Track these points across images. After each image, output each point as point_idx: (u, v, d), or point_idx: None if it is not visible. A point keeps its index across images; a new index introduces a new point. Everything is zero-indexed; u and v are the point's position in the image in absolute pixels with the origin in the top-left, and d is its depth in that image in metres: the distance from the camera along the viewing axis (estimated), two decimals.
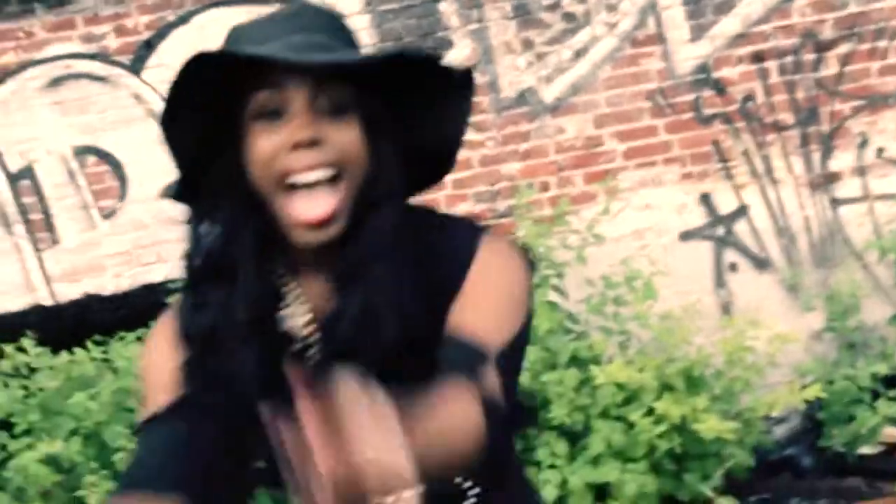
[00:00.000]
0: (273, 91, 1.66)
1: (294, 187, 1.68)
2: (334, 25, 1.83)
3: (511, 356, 1.74)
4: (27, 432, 4.88)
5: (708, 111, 5.86)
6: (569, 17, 5.79)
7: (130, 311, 5.67)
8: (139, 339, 5.27)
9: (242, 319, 1.75)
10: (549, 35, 5.83)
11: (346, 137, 1.69)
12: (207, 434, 1.81)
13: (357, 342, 1.76)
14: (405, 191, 1.85)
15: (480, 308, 1.78)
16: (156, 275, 5.86)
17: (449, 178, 2.89)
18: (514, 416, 1.82)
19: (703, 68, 5.85)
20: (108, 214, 5.87)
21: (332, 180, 1.68)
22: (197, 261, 1.76)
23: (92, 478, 4.60)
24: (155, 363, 1.87)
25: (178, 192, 1.80)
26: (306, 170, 1.67)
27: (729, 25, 5.81)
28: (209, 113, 1.71)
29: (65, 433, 4.82)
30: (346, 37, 1.81)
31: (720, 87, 5.84)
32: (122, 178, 5.84)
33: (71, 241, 5.89)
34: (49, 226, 5.87)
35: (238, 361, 1.75)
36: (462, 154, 1.90)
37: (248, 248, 1.76)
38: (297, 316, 1.82)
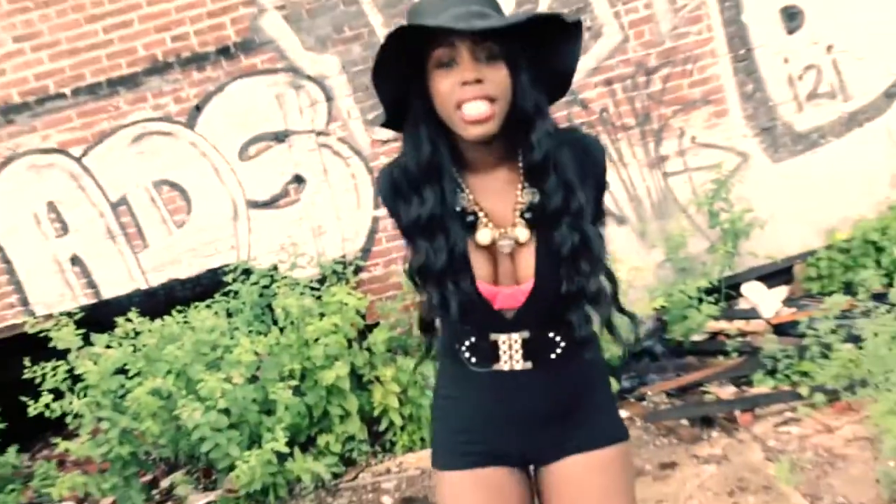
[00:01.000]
0: (447, 48, 1.86)
1: (461, 104, 1.87)
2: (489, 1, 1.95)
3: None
4: (137, 374, 5.11)
5: (577, 121, 6.03)
6: None
7: (200, 288, 6.04)
8: (207, 306, 5.54)
9: (431, 194, 1.98)
10: None
11: (497, 77, 1.87)
12: None
13: (562, 205, 1.97)
14: (544, 103, 1.98)
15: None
16: (214, 262, 6.13)
17: None
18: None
19: (572, 93, 5.56)
20: (179, 224, 6.12)
21: (490, 101, 1.86)
22: (420, 153, 1.97)
23: (182, 401, 4.82)
24: (385, 202, 2.10)
25: (385, 122, 2.03)
26: (472, 99, 1.85)
27: (587, 62, 5.94)
28: (402, 66, 1.90)
29: (162, 373, 5.05)
30: (492, 3, 1.96)
31: (584, 105, 6.07)
32: (186, 200, 6.10)
33: (156, 244, 6.13)
34: (141, 235, 6.12)
35: (415, 211, 1.99)
36: None
37: (434, 149, 1.98)
38: (462, 199, 2.02)
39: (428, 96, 1.93)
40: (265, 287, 5.79)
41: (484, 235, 2.01)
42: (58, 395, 5.09)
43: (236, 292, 5.73)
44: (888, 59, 6.05)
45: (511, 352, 2.08)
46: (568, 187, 1.97)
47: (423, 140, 1.97)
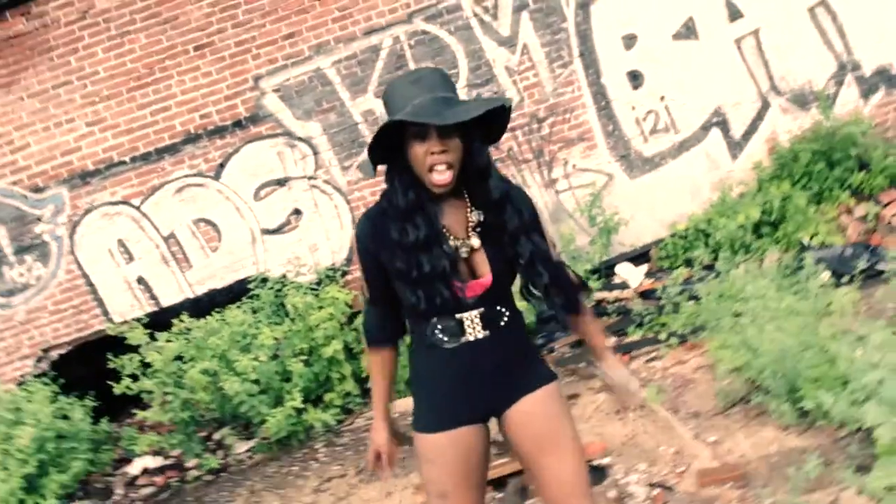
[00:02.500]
0: (420, 127, 1.87)
1: (432, 170, 1.90)
2: (445, 81, 1.97)
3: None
4: (190, 359, 5.08)
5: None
6: None
7: (231, 295, 5.89)
8: (237, 307, 5.47)
9: (422, 222, 1.98)
10: None
11: (455, 146, 1.89)
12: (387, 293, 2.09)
13: (519, 225, 2.02)
14: (486, 153, 2.01)
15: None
16: (241, 275, 5.99)
17: None
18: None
19: None
20: (214, 249, 6.02)
21: (449, 166, 1.90)
22: (405, 198, 1.97)
23: (224, 376, 4.87)
24: (361, 248, 2.09)
25: (372, 172, 1.98)
26: (438, 163, 1.88)
27: None
28: (387, 139, 1.90)
29: (208, 357, 5.02)
30: (451, 86, 1.97)
31: (496, 146, 5.69)
32: (217, 231, 6.00)
33: (198, 264, 6.03)
34: (186, 258, 6.01)
35: (413, 235, 1.98)
36: None
37: (417, 194, 1.97)
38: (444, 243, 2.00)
39: (406, 155, 1.94)
40: (278, 291, 5.72)
41: (446, 246, 2.03)
42: (133, 378, 5.04)
43: (257, 295, 5.66)
44: (703, 103, 6.10)
45: (473, 325, 2.06)
46: (520, 213, 2.04)
47: (408, 185, 1.97)
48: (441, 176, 1.90)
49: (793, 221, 5.62)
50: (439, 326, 2.06)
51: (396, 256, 2.01)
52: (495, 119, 1.97)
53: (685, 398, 4.16)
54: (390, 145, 1.93)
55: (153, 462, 5.73)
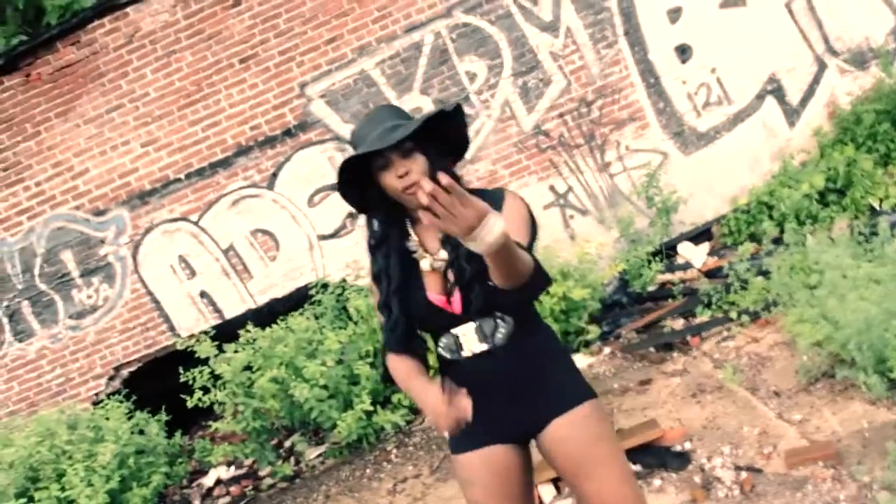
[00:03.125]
0: (380, 157, 1.85)
1: (406, 191, 1.86)
2: (397, 112, 1.99)
3: (532, 247, 1.90)
4: (258, 369, 5.02)
5: (543, 145, 5.93)
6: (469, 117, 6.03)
7: (292, 302, 5.90)
8: (300, 314, 5.41)
9: (395, 248, 1.99)
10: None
11: (417, 164, 1.87)
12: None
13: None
14: (449, 167, 1.94)
15: (517, 227, 1.89)
16: (301, 282, 6.03)
17: None
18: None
19: (536, 126, 5.92)
20: (272, 259, 6.06)
21: (416, 184, 1.82)
22: (373, 232, 2.00)
23: (293, 383, 4.83)
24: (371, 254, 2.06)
25: (353, 207, 2.00)
26: (408, 185, 1.85)
27: (544, 103, 5.89)
28: (354, 174, 1.90)
29: (276, 365, 4.96)
30: (404, 114, 1.98)
31: (546, 133, 5.92)
32: (275, 241, 6.04)
33: (258, 274, 6.08)
34: (246, 270, 6.07)
35: (377, 265, 2.01)
36: None
37: (399, 218, 1.99)
38: (413, 242, 2.00)
39: (378, 187, 1.92)
40: (339, 295, 5.71)
41: (424, 263, 1.99)
42: (205, 391, 5.04)
43: (319, 301, 5.65)
44: (755, 72, 5.91)
45: (468, 339, 1.97)
46: None
47: (380, 219, 2.01)
48: (413, 194, 1.82)
49: (860, 186, 5.42)
50: (442, 342, 2.03)
51: (376, 285, 2.06)
52: (454, 130, 1.96)
53: (764, 377, 4.02)
54: (366, 185, 1.94)
55: (227, 473, 5.80)
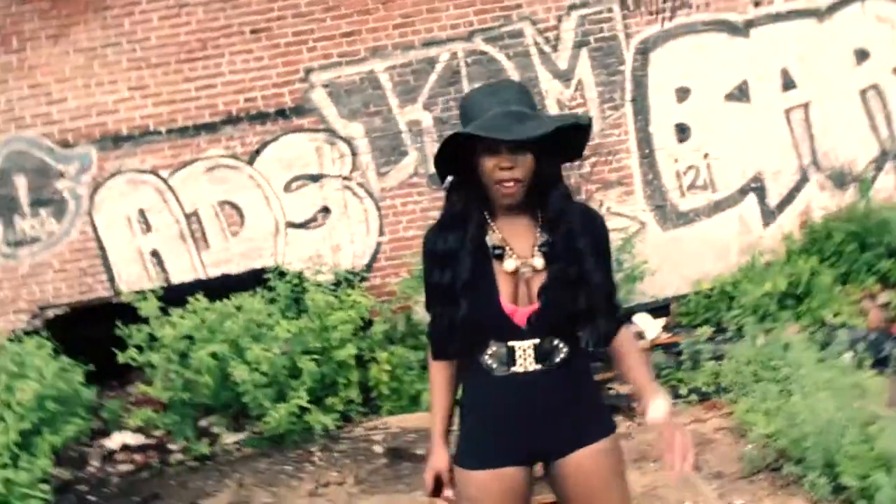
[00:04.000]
0: (490, 140, 1.79)
1: (499, 183, 1.82)
2: (523, 95, 1.88)
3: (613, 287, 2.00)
4: (201, 341, 4.87)
5: None
6: None
7: (243, 284, 5.53)
8: (251, 296, 5.22)
9: (472, 235, 1.91)
10: None
11: (525, 162, 1.81)
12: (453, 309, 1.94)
13: (566, 249, 1.89)
14: (559, 172, 1.92)
15: (602, 254, 1.95)
16: (258, 264, 5.84)
17: None
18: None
19: None
20: (234, 234, 5.89)
21: (517, 181, 1.81)
22: (453, 210, 1.93)
23: (234, 363, 4.71)
24: (428, 261, 1.98)
25: (440, 182, 1.95)
26: (505, 179, 1.81)
27: None
28: (455, 150, 1.85)
29: (219, 341, 4.84)
30: (529, 101, 1.87)
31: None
32: (241, 217, 5.87)
33: (216, 246, 5.89)
34: (204, 238, 5.87)
35: (443, 246, 1.92)
36: None
37: (478, 205, 1.92)
38: (493, 237, 1.92)
39: (474, 166, 1.86)
40: (295, 286, 5.57)
41: (509, 264, 1.90)
42: (139, 350, 4.88)
43: (273, 287, 5.49)
44: (744, 167, 6.07)
45: (525, 355, 1.90)
46: (572, 234, 1.90)
47: (462, 198, 1.93)
48: (509, 191, 1.83)
49: (818, 298, 5.57)
50: (491, 350, 1.93)
51: (433, 267, 1.96)
52: (573, 136, 1.89)
53: (706, 457, 4.03)
54: (462, 157, 1.87)
55: (133, 439, 5.53)
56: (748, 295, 5.53)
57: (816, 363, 4.02)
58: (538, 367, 1.91)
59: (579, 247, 1.89)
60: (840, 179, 6.09)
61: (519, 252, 1.91)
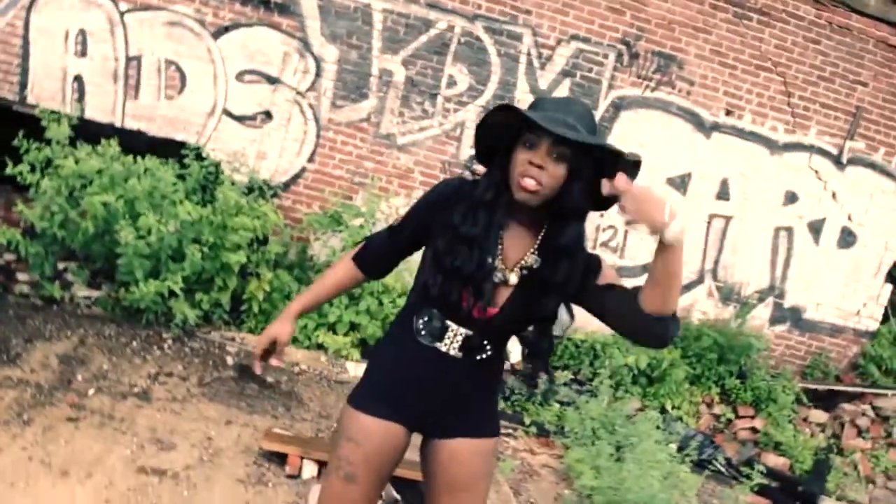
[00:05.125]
0: (534, 135, 1.84)
1: (522, 176, 1.85)
2: (587, 116, 1.89)
3: None
4: (99, 187, 4.68)
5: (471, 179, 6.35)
6: None
7: (154, 150, 5.41)
8: (162, 163, 5.03)
9: (483, 222, 1.94)
10: None
11: (556, 172, 1.85)
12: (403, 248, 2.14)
13: (543, 281, 1.95)
14: (585, 209, 1.94)
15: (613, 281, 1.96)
16: (178, 136, 5.69)
17: None
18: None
19: (471, 160, 6.03)
20: (169, 97, 5.66)
21: (538, 183, 1.84)
22: (483, 196, 1.94)
23: (123, 223, 4.52)
24: (425, 201, 2.06)
25: (477, 161, 2.03)
26: (529, 175, 1.84)
27: None
28: (497, 133, 1.92)
29: (117, 195, 4.64)
30: (588, 123, 1.87)
31: (473, 171, 6.06)
32: (183, 83, 5.66)
33: (144, 100, 5.63)
34: (136, 88, 5.63)
35: (467, 227, 1.94)
36: None
37: (496, 195, 1.94)
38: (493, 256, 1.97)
39: (509, 158, 1.91)
40: (209, 173, 5.47)
41: (492, 260, 1.99)
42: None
43: (188, 166, 5.35)
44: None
45: (454, 339, 2.02)
46: (559, 272, 1.95)
47: (494, 182, 1.94)
48: (527, 182, 1.85)
49: (667, 386, 6.03)
50: (426, 318, 2.04)
51: (444, 235, 1.98)
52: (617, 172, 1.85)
53: (527, 486, 4.31)
54: (505, 145, 1.93)
55: None
56: (613, 359, 5.90)
57: (654, 443, 4.38)
58: (459, 354, 2.04)
59: (556, 284, 1.94)
60: (727, 294, 6.60)
61: (505, 258, 1.98)
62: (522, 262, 1.98)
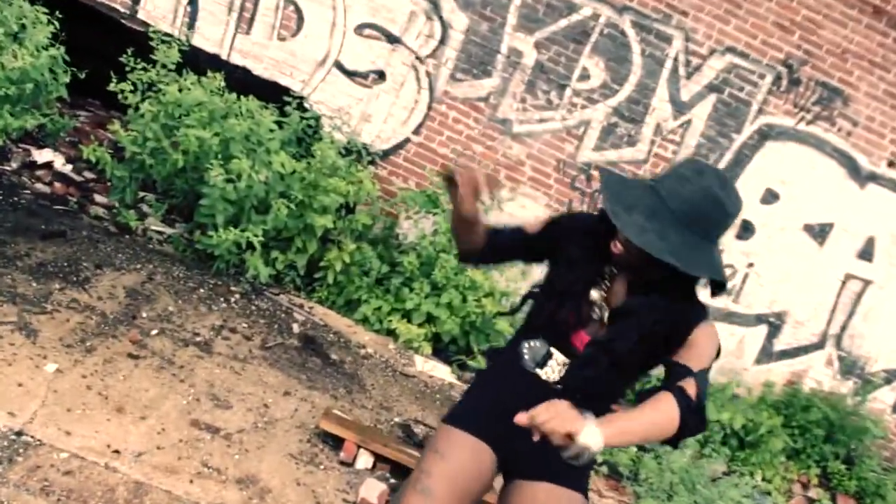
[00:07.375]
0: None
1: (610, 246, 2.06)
2: (697, 205, 1.95)
3: (703, 377, 2.01)
4: (202, 119, 4.92)
5: (574, 181, 6.09)
6: None
7: (256, 92, 5.66)
8: (263, 107, 5.30)
9: (590, 270, 2.17)
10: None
11: (634, 253, 2.01)
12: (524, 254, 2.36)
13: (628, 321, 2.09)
14: (670, 286, 2.05)
15: (693, 353, 2.03)
16: (284, 81, 5.91)
17: None
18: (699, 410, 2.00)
19: (587, 164, 6.08)
20: (280, 37, 5.88)
21: (623, 254, 2.04)
22: (597, 237, 2.14)
23: (215, 162, 4.76)
24: (557, 221, 2.29)
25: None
26: (619, 241, 2.04)
27: (611, 154, 6.05)
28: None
29: (213, 132, 4.86)
30: (697, 214, 1.95)
31: (589, 176, 6.11)
32: (299, 26, 5.87)
33: (256, 38, 5.89)
34: (250, 23, 5.86)
35: (579, 252, 2.18)
36: None
37: (601, 254, 2.14)
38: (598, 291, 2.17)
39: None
40: (308, 126, 5.68)
41: (595, 294, 2.17)
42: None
43: (288, 114, 5.56)
44: (775, 295, 6.36)
45: (556, 367, 2.16)
46: (634, 325, 2.09)
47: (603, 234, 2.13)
48: (615, 250, 2.07)
49: (760, 455, 5.94)
50: (531, 344, 2.19)
51: (563, 263, 2.20)
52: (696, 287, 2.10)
53: None
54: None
55: (61, 164, 5.58)
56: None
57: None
58: (558, 384, 2.16)
59: (612, 341, 2.11)
60: (849, 367, 6.47)
61: (609, 299, 2.18)
62: (613, 303, 2.16)
